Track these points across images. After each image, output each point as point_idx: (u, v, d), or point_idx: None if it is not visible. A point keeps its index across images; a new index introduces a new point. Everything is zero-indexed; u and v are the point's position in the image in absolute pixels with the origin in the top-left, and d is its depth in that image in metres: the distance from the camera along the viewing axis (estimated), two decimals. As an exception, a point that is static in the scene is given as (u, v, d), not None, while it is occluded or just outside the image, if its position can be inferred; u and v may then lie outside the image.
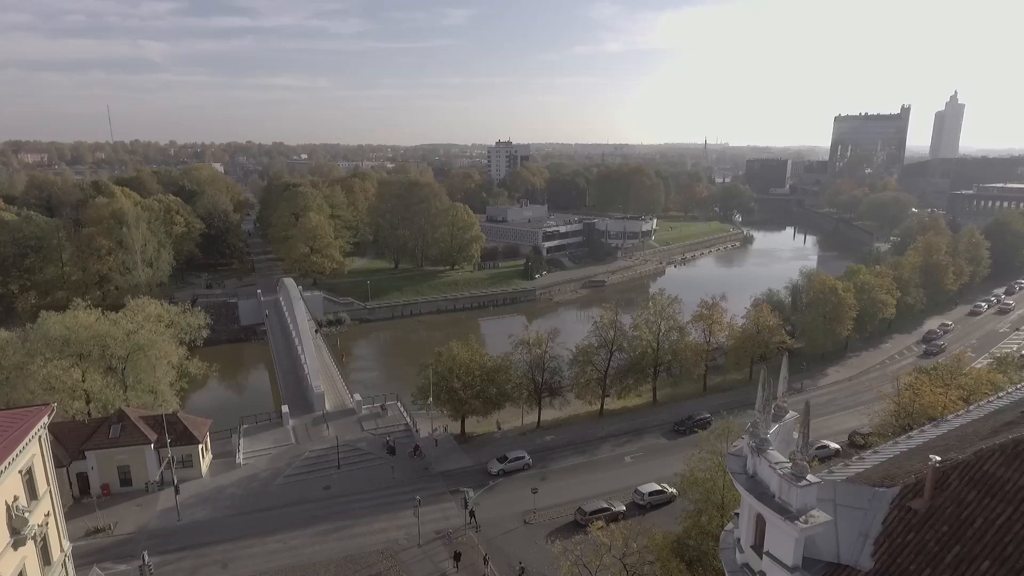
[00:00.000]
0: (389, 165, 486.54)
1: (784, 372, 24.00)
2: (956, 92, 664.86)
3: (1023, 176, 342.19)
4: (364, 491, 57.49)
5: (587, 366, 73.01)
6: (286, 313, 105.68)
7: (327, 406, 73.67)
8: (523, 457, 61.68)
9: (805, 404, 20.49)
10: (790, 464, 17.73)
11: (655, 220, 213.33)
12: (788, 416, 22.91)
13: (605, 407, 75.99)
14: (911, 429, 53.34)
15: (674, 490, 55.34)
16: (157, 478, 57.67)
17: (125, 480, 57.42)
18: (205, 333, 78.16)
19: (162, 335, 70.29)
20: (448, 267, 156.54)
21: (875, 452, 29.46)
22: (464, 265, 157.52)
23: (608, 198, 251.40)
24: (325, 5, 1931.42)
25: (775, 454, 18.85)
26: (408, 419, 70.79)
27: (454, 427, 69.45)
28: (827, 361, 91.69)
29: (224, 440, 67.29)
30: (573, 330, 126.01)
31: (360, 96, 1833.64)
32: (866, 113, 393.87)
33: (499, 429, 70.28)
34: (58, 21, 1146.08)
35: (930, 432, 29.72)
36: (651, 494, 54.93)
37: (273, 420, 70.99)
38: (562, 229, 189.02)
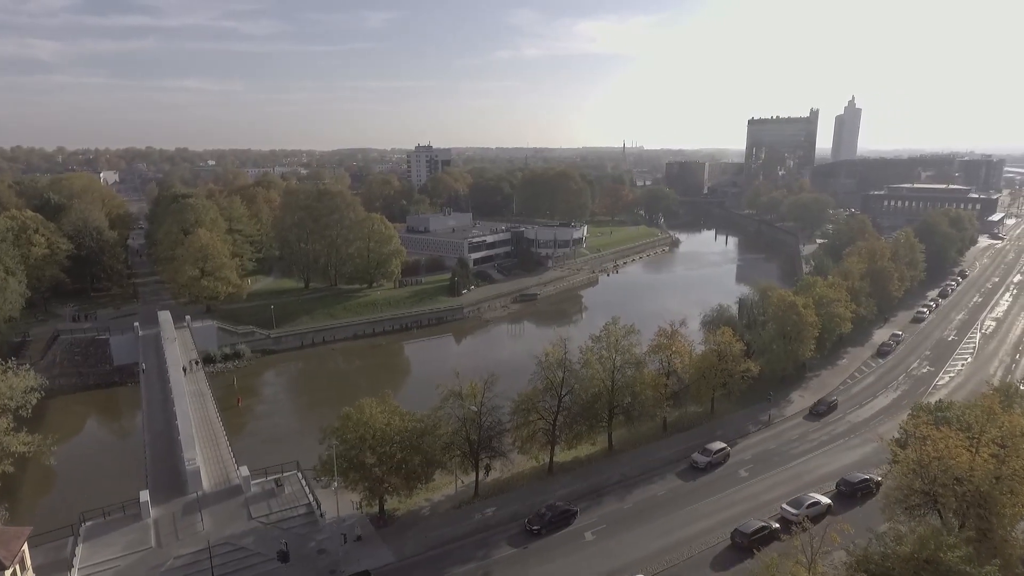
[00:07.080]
0: (303, 171, 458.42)
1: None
2: (853, 97, 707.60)
3: (920, 176, 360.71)
4: (246, 619, 42.64)
5: (531, 414, 60.81)
6: (165, 354, 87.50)
7: (205, 485, 57.33)
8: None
9: None
10: None
11: (585, 226, 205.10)
12: None
13: (554, 459, 63.99)
14: (935, 497, 44.52)
15: (653, 585, 44.27)
16: (-62, 627, 40.54)
17: None
18: (35, 398, 60.23)
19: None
20: (365, 285, 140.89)
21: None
22: (383, 282, 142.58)
23: (534, 204, 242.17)
24: (236, 5, 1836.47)
25: None
26: (311, 497, 55.90)
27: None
28: (788, 385, 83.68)
29: (60, 544, 50.43)
30: (507, 351, 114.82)
31: (275, 100, 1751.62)
32: (778, 116, 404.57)
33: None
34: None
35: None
36: (626, 595, 43.19)
37: (128, 512, 53.89)
38: (489, 239, 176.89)
